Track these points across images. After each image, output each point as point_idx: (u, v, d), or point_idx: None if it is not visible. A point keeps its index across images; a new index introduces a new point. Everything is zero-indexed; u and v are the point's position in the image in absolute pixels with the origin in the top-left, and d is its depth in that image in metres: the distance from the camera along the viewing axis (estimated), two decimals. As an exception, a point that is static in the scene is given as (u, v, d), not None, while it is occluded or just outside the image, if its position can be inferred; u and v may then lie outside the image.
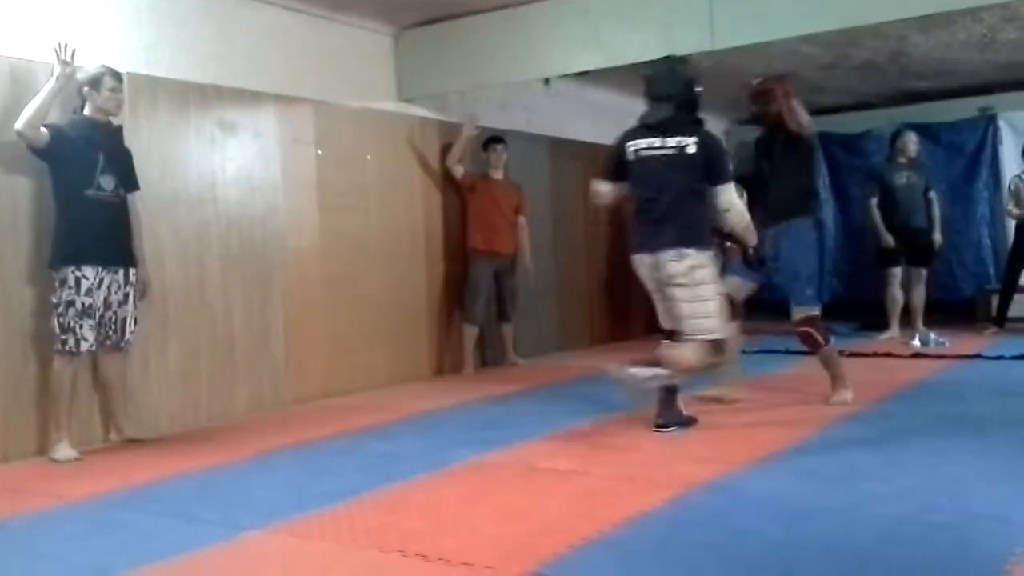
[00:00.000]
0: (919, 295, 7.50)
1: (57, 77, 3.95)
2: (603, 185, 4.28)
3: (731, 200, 4.06)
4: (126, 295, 4.20)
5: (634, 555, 2.49)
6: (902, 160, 7.49)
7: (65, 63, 3.98)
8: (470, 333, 6.46)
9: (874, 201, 7.51)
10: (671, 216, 3.97)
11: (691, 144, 3.96)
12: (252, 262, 5.16)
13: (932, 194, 7.54)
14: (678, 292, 3.96)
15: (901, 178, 7.43)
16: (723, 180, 4.02)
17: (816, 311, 4.63)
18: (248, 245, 5.15)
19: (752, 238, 4.33)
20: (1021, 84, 8.35)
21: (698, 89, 4.13)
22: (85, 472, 3.77)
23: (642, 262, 4.11)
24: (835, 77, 7.99)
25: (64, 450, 3.95)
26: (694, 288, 3.94)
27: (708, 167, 3.98)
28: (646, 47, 5.38)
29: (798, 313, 4.59)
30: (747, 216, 4.22)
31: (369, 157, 5.95)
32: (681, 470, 3.38)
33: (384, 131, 6.09)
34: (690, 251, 3.95)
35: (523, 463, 3.61)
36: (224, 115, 5.05)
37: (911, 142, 7.52)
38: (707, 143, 4.02)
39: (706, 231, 4.08)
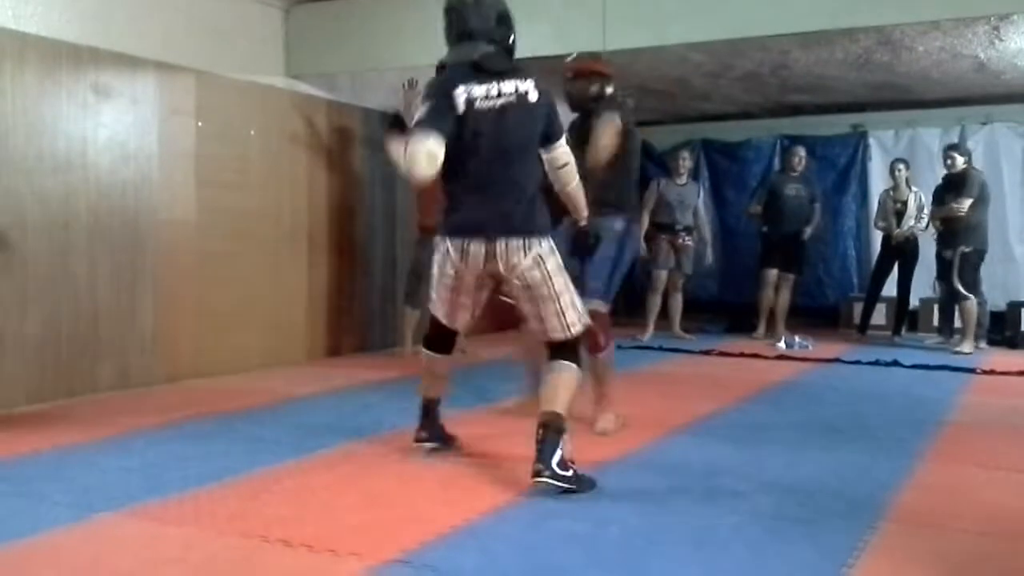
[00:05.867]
0: (784, 300, 7.86)
1: None
2: (434, 143, 2.92)
3: (569, 154, 3.29)
4: None
5: (498, 544, 2.51)
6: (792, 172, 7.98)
7: None
8: (411, 316, 6.28)
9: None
10: (513, 189, 3.09)
11: (531, 90, 3.10)
12: (122, 233, 4.95)
13: (817, 205, 7.99)
14: (536, 290, 3.10)
15: (790, 189, 7.88)
16: (562, 134, 3.25)
17: (601, 308, 4.00)
18: (119, 216, 4.93)
19: (583, 208, 3.49)
20: (891, 104, 8.80)
21: (513, 36, 3.24)
22: (-74, 447, 3.55)
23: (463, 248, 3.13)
24: (720, 86, 8.24)
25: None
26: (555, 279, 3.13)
27: (549, 120, 3.15)
28: (540, 41, 5.41)
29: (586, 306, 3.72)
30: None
31: (252, 132, 5.79)
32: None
33: (269, 107, 5.93)
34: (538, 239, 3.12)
35: (394, 451, 3.59)
36: (99, 79, 4.82)
37: (796, 156, 8.03)
38: (545, 89, 3.16)
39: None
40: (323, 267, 6.39)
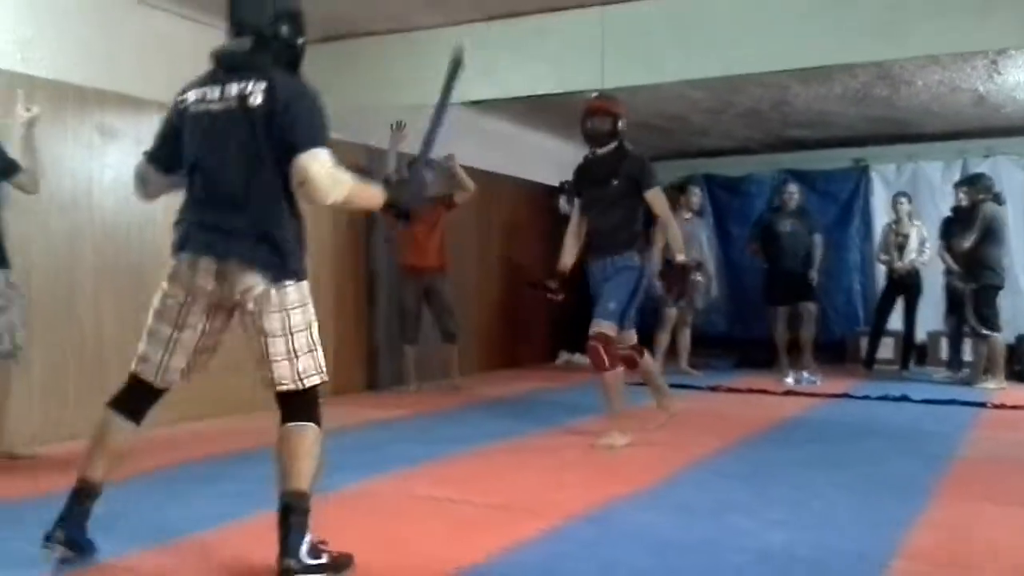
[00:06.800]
0: (809, 332, 7.68)
1: None
2: (140, 165, 2.93)
3: (311, 170, 2.46)
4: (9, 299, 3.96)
5: (505, 586, 2.47)
6: (787, 208, 7.82)
7: None
8: (411, 353, 6.63)
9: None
10: (241, 209, 2.53)
11: (259, 92, 2.53)
12: (127, 274, 4.95)
13: (817, 236, 7.81)
14: (266, 323, 2.60)
15: (785, 226, 7.76)
16: (310, 145, 2.51)
17: (610, 331, 4.41)
18: (124, 256, 4.94)
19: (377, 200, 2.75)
20: (892, 138, 8.83)
21: (301, 39, 2.73)
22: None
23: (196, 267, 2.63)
24: (720, 122, 8.29)
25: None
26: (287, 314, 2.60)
27: (291, 127, 2.52)
28: (538, 81, 5.48)
29: (593, 327, 4.43)
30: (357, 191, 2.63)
31: (257, 172, 5.80)
32: (557, 500, 3.39)
33: (274, 147, 5.95)
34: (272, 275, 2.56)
35: (401, 490, 3.55)
36: (105, 120, 4.86)
37: (786, 193, 7.88)
38: (296, 92, 2.59)
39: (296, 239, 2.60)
40: (324, 305, 6.37)
